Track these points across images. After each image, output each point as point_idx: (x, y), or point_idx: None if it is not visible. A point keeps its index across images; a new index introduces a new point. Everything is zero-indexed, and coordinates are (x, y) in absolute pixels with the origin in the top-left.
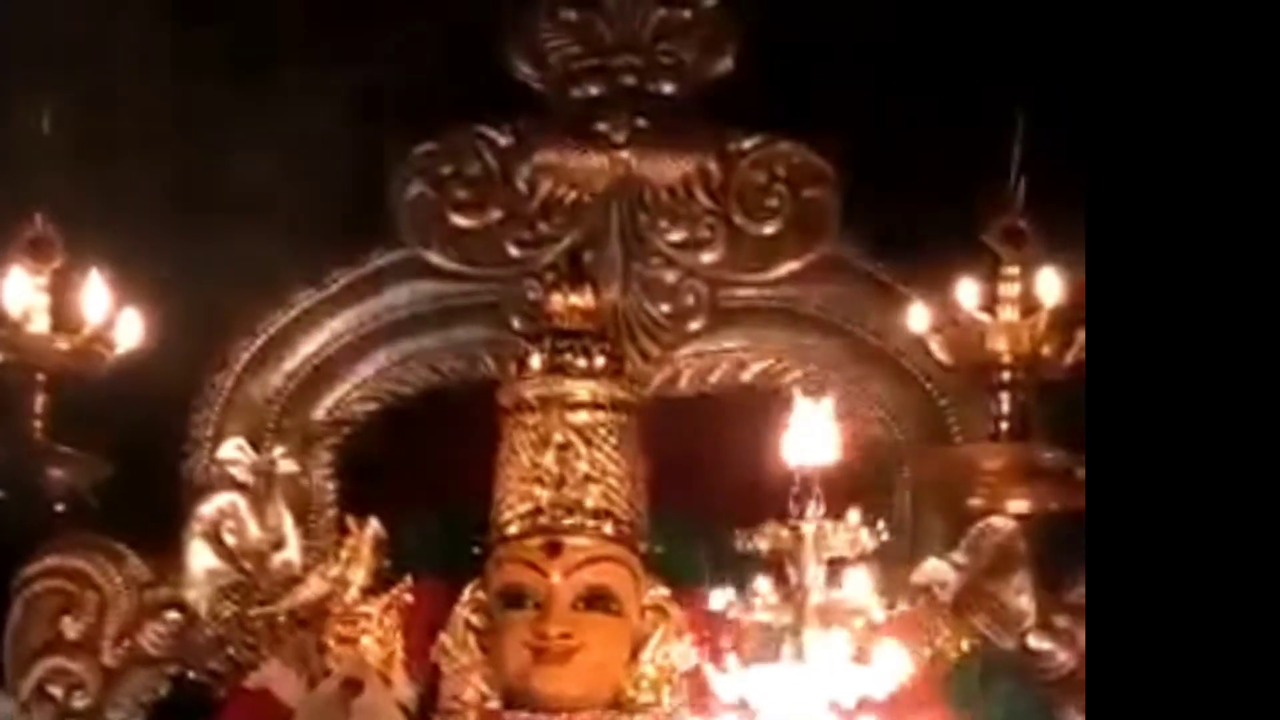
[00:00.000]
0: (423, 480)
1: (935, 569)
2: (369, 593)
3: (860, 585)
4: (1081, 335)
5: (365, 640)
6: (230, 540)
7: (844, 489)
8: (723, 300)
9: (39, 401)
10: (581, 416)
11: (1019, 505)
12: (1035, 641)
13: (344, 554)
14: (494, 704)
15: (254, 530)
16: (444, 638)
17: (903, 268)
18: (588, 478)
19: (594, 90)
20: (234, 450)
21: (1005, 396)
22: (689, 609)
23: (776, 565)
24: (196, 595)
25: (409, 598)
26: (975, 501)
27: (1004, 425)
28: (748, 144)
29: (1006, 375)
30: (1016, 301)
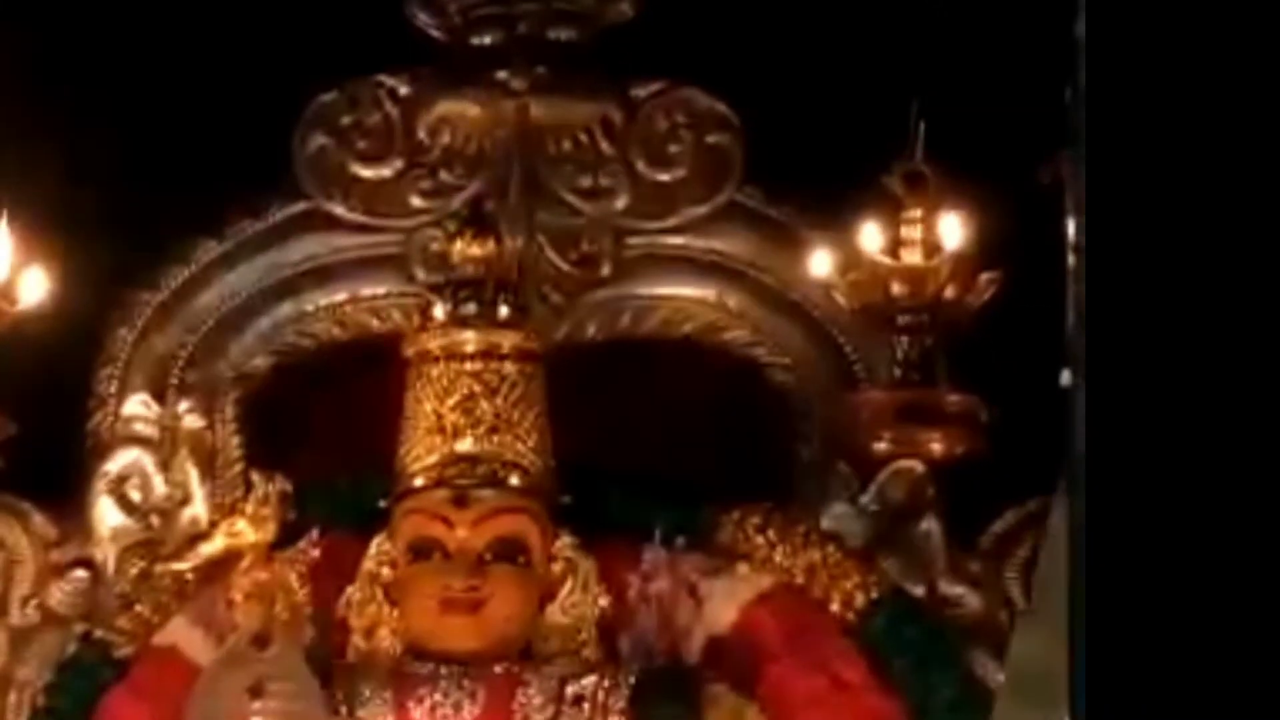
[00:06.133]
0: (328, 434)
1: (844, 514)
2: (275, 547)
3: None
4: (985, 278)
5: (272, 595)
6: (136, 497)
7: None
8: (627, 248)
9: None
10: (486, 366)
11: (925, 449)
12: (945, 586)
13: (250, 509)
14: (403, 657)
15: (160, 486)
16: (351, 591)
17: (806, 213)
18: (493, 429)
19: (493, 38)
20: (138, 406)
21: (908, 340)
22: (598, 558)
23: None
24: (103, 553)
25: (316, 552)
26: (881, 446)
27: (908, 369)
28: (649, 90)
29: (909, 319)
30: (918, 245)
